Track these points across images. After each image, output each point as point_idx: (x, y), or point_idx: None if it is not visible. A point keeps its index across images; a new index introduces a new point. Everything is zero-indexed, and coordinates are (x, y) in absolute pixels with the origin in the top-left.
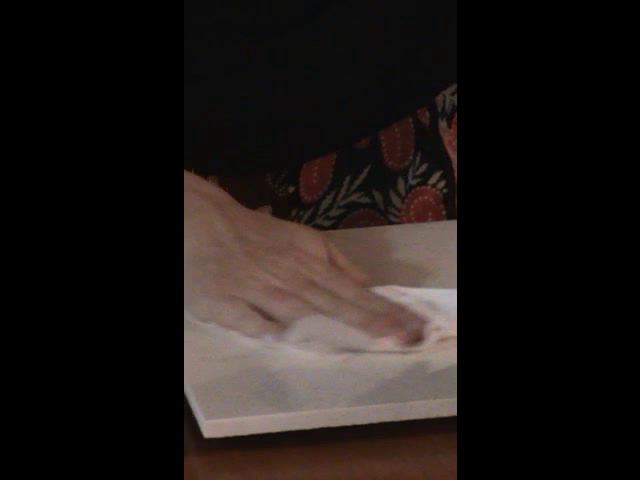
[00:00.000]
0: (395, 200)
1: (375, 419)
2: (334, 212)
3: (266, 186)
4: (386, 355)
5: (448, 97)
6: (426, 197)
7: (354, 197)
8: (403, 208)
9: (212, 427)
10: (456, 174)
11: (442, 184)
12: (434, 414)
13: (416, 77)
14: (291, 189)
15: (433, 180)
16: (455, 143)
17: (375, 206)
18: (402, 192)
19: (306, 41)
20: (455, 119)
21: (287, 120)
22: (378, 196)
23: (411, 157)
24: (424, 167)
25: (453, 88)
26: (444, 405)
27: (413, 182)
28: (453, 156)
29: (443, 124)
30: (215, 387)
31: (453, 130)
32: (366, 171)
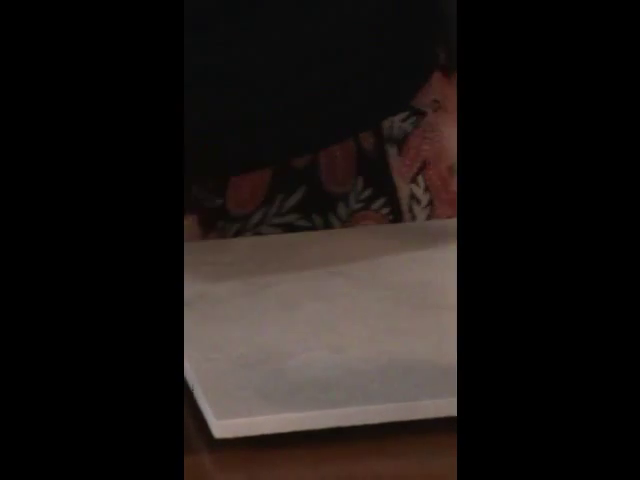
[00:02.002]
0: (336, 224)
1: (384, 419)
2: (266, 229)
3: (192, 196)
4: (394, 354)
5: (397, 123)
6: (369, 222)
7: (291, 218)
8: None
9: (222, 427)
10: (403, 202)
11: (386, 210)
12: (442, 413)
13: (361, 101)
14: (219, 201)
15: (376, 205)
16: (408, 172)
17: (315, 229)
18: (343, 216)
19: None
20: (409, 146)
21: (220, 133)
22: (318, 220)
23: (352, 181)
24: (368, 192)
25: (404, 115)
26: (452, 404)
27: (356, 206)
28: (402, 184)
29: (393, 151)
30: (225, 387)
31: (405, 159)
32: (301, 192)
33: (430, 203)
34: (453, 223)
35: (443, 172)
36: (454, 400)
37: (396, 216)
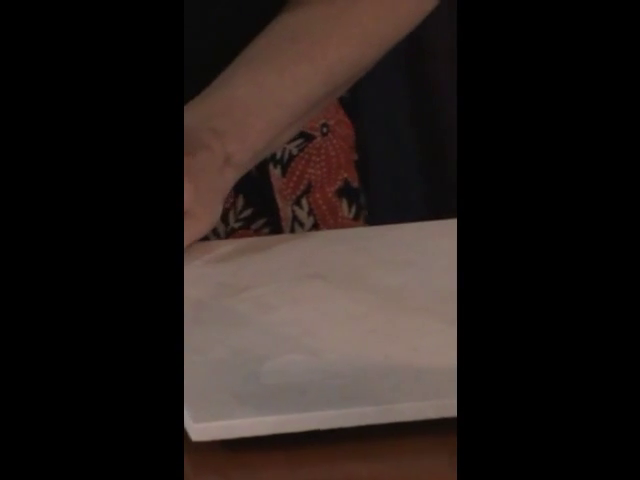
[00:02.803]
0: (212, 240)
1: (362, 421)
2: None
3: None
4: (372, 357)
5: (286, 146)
6: None
7: None
8: None
9: (200, 430)
10: (285, 224)
11: (266, 230)
12: (421, 416)
13: None
14: None
15: (257, 225)
16: (291, 194)
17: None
18: (222, 234)
19: None
20: (293, 168)
21: None
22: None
23: (231, 199)
24: (248, 211)
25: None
26: (431, 407)
27: (235, 225)
28: (284, 206)
29: (276, 172)
30: (202, 390)
31: (290, 181)
32: None
33: (314, 226)
34: (430, 226)
35: (330, 196)
36: (432, 403)
37: None
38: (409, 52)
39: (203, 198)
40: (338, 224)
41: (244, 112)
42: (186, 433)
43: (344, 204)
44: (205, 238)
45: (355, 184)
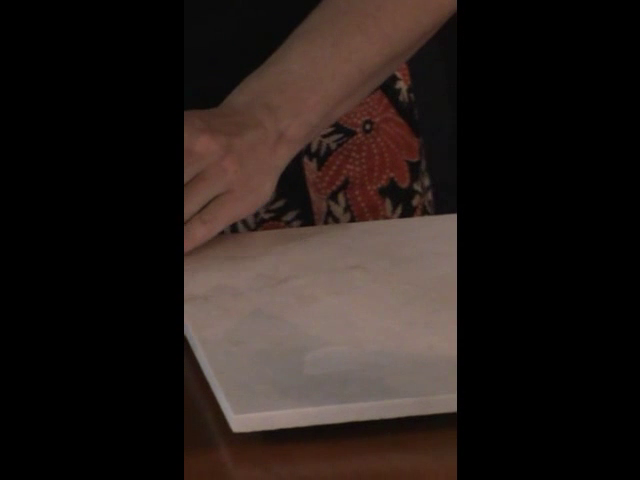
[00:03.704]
0: (242, 231)
1: (402, 413)
2: None
3: None
4: (412, 349)
5: (318, 138)
6: None
7: None
8: None
9: (240, 421)
10: (318, 218)
11: (297, 223)
12: None
13: None
14: None
15: (288, 217)
16: (327, 188)
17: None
18: (251, 225)
19: None
20: (330, 163)
21: None
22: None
23: None
24: (280, 203)
25: (327, 130)
26: None
27: (265, 216)
28: (318, 199)
29: (312, 165)
30: (243, 381)
31: (325, 175)
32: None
33: (352, 222)
34: None
35: (371, 194)
36: None
37: None
38: None
39: (248, 178)
40: None
41: (298, 86)
42: (227, 424)
43: (387, 203)
44: (234, 229)
45: (404, 184)
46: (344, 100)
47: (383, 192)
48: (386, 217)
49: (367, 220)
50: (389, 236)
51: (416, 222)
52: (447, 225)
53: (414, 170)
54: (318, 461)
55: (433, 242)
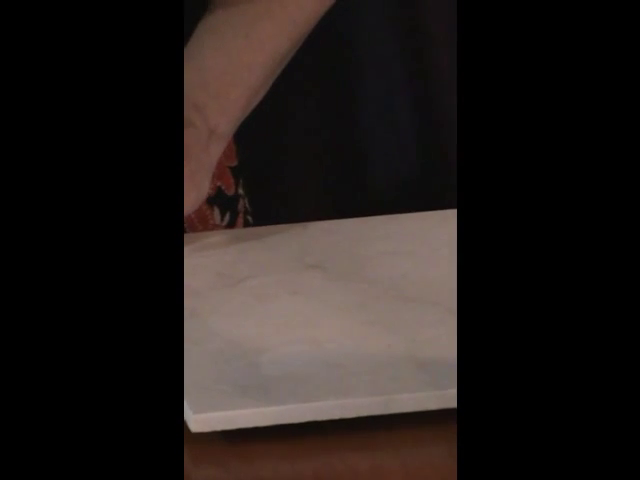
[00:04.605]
0: None
1: (361, 412)
2: None
3: None
4: (372, 348)
5: None
6: None
7: None
8: None
9: (199, 421)
10: None
11: None
12: (421, 407)
13: None
14: None
15: None
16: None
17: None
18: None
19: None
20: None
21: None
22: None
23: None
24: None
25: None
26: (431, 398)
27: None
28: None
29: None
30: (201, 381)
31: None
32: None
33: None
34: (430, 216)
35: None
36: (431, 394)
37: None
38: (408, 37)
39: (191, 175)
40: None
41: (219, 82)
42: (185, 424)
43: (216, 212)
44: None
45: (230, 192)
46: (261, 89)
47: (211, 201)
48: (215, 225)
49: (197, 230)
50: (347, 235)
51: (375, 221)
52: (406, 224)
53: (236, 175)
54: (278, 461)
55: (392, 241)
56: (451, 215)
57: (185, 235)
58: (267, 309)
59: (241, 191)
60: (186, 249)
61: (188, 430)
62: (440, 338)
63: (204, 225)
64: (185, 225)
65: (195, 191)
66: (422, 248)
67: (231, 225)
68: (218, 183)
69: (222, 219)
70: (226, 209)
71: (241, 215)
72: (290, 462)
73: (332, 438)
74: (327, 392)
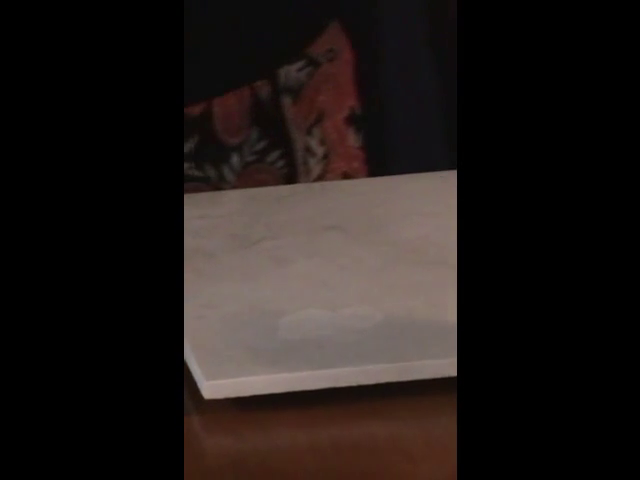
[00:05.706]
0: (229, 176)
1: (380, 379)
2: None
3: None
4: (390, 313)
5: (293, 73)
6: (263, 175)
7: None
8: (238, 185)
9: (212, 388)
10: (298, 155)
11: (281, 163)
12: (439, 374)
13: (254, 48)
14: None
15: (271, 158)
16: (303, 123)
17: (209, 180)
18: (237, 168)
19: None
20: (304, 97)
21: None
22: (210, 170)
23: (247, 132)
24: (263, 143)
25: (300, 64)
26: (450, 365)
27: (249, 158)
28: (297, 136)
29: (287, 100)
30: (215, 346)
31: (301, 110)
32: (194, 141)
33: (325, 157)
34: (453, 175)
35: (339, 124)
36: (452, 360)
37: (291, 170)
38: None
39: None
40: (348, 154)
41: None
42: (198, 391)
43: (351, 133)
44: (220, 173)
45: (359, 111)
46: None
47: (348, 121)
48: (351, 147)
49: (339, 152)
50: (367, 195)
51: (396, 181)
52: (428, 184)
53: (364, 94)
54: (293, 429)
55: (413, 201)
56: None
57: (198, 195)
58: (283, 272)
59: None
60: (200, 210)
61: (201, 397)
62: None
63: (344, 147)
64: (328, 148)
65: None
66: (445, 209)
67: (363, 147)
68: (351, 103)
69: (357, 140)
70: (359, 129)
71: None
72: (306, 430)
73: (349, 405)
74: (344, 358)
